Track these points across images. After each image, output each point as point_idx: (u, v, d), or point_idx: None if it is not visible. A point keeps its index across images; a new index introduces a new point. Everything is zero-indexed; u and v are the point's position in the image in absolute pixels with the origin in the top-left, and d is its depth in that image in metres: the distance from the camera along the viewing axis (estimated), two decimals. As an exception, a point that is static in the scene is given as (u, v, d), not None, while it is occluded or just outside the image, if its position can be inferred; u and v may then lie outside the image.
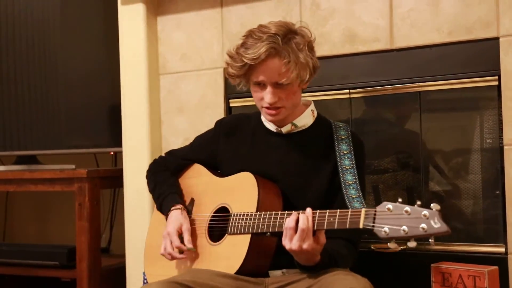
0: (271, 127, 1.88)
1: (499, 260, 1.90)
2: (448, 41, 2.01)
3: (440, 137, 2.15)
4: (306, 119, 1.87)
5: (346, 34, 2.16)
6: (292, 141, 1.85)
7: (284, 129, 1.86)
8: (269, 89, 1.74)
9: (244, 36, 1.78)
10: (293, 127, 1.85)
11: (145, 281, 2.03)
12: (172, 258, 1.83)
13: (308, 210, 1.58)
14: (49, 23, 2.91)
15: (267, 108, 1.77)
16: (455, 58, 2.01)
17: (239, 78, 1.80)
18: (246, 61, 1.72)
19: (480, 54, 1.97)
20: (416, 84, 2.07)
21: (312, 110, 1.89)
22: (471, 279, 1.78)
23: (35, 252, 2.78)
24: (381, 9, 2.10)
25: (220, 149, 1.95)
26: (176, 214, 1.87)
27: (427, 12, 2.03)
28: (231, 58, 1.79)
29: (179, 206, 1.89)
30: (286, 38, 1.71)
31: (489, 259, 1.92)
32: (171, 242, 1.82)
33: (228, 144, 1.94)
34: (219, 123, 2.01)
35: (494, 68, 1.94)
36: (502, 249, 1.95)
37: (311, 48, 1.77)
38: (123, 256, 2.59)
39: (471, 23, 1.97)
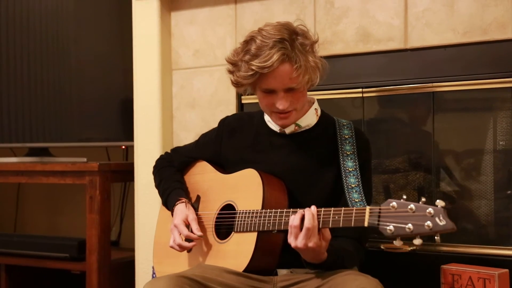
0: (275, 127, 1.86)
1: (509, 263, 1.89)
2: (463, 41, 1.99)
3: (453, 138, 2.14)
4: (309, 119, 1.84)
5: (360, 33, 2.15)
6: (295, 142, 1.84)
7: (288, 130, 1.83)
8: (281, 95, 1.71)
9: (244, 41, 1.73)
10: (296, 127, 1.83)
11: (153, 277, 2.04)
12: (182, 248, 1.81)
13: (313, 207, 1.57)
14: (62, 16, 2.92)
15: (279, 113, 1.75)
16: (469, 59, 1.99)
17: (246, 86, 1.75)
18: (256, 70, 1.66)
19: (495, 55, 1.95)
20: (430, 84, 2.06)
21: (315, 109, 1.86)
22: (481, 282, 1.77)
23: (46, 244, 2.80)
24: (395, 9, 2.09)
25: (223, 148, 1.95)
26: (181, 207, 1.86)
27: (442, 12, 2.02)
28: (234, 66, 1.75)
29: (184, 199, 1.89)
30: (291, 40, 1.68)
31: (499, 261, 1.90)
32: (180, 233, 1.81)
33: (231, 143, 1.93)
34: (222, 122, 2.00)
35: (509, 70, 1.93)
36: (513, 252, 1.94)
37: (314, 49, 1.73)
38: (132, 249, 2.60)
39: (486, 24, 1.95)
